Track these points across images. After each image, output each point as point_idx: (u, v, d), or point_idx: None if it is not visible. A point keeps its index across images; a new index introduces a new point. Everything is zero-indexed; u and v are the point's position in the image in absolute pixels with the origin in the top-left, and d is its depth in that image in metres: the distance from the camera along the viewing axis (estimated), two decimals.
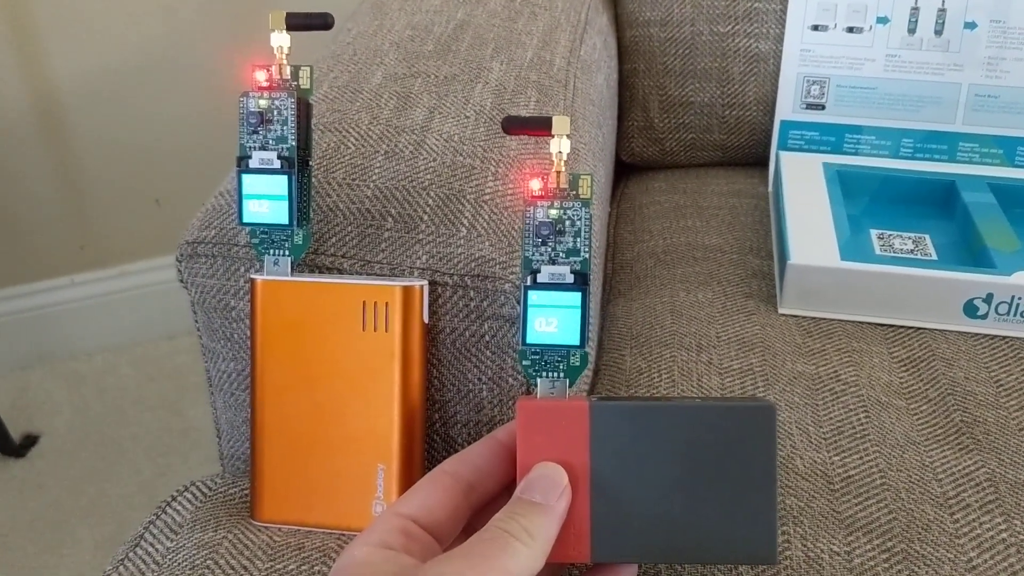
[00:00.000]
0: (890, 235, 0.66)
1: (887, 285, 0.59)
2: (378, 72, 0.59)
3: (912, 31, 0.75)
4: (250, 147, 0.44)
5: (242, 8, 1.25)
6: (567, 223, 0.38)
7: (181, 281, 0.49)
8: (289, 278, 0.45)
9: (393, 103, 0.55)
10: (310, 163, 0.45)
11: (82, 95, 1.24)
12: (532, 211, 0.38)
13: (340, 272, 0.46)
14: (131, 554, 0.45)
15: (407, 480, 0.44)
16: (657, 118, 0.85)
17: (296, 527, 0.45)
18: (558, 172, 0.38)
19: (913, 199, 0.71)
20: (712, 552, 0.36)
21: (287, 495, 0.45)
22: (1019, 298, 0.58)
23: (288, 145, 0.43)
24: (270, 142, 0.44)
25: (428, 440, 0.48)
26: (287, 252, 0.45)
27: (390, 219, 0.48)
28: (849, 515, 0.46)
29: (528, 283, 0.38)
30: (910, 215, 0.69)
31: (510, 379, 0.47)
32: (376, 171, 0.50)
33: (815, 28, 0.77)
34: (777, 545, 0.36)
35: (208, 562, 0.43)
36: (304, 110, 0.44)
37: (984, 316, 0.59)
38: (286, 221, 0.44)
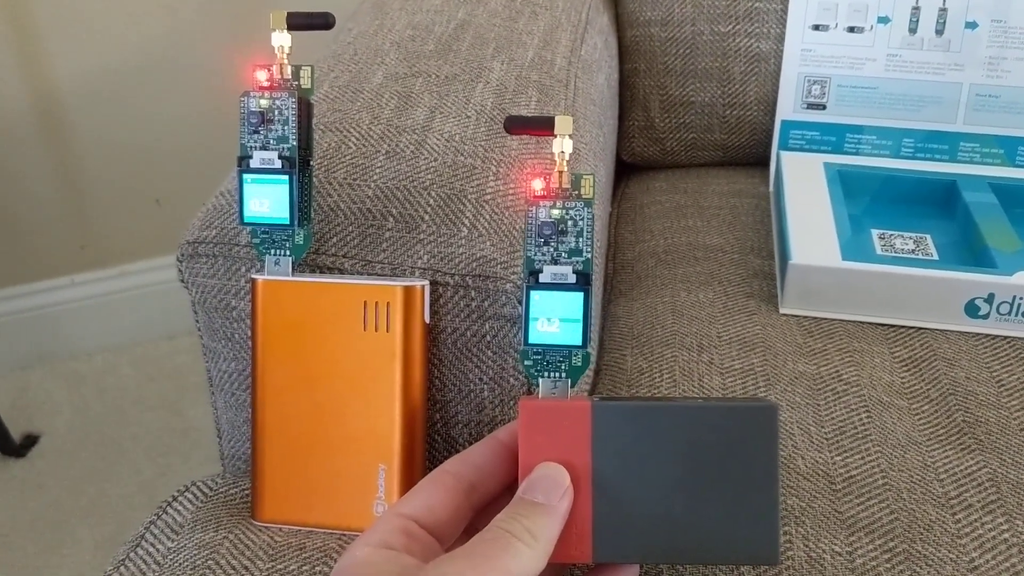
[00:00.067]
0: (891, 235, 0.66)
1: (888, 285, 0.59)
2: (379, 72, 0.59)
3: (913, 31, 0.75)
4: (251, 147, 0.44)
5: (242, 8, 1.25)
6: (569, 223, 0.38)
7: (182, 281, 0.49)
8: (290, 278, 0.45)
9: (394, 103, 0.55)
10: (311, 163, 0.45)
11: (82, 95, 1.24)
12: (534, 211, 0.38)
13: (341, 272, 0.46)
14: (132, 554, 0.45)
15: (408, 480, 0.44)
16: (658, 118, 0.85)
17: (297, 527, 0.45)
18: (560, 172, 0.38)
19: (914, 199, 0.71)
20: (714, 552, 0.36)
21: (288, 495, 0.45)
22: (1020, 298, 0.58)
23: (289, 145, 0.43)
24: (271, 142, 0.44)
25: (429, 440, 0.48)
26: (288, 252, 0.45)
27: (391, 219, 0.47)
28: (851, 515, 0.45)
29: (530, 283, 0.38)
30: (911, 215, 0.69)
31: (511, 379, 0.47)
32: (377, 171, 0.50)
33: (816, 28, 0.77)
34: (779, 545, 0.36)
35: (209, 562, 0.43)
36: (305, 110, 0.44)
37: (985, 316, 0.59)
38: (287, 221, 0.43)
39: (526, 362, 0.39)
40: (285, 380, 0.45)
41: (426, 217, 0.48)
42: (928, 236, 0.66)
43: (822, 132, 0.78)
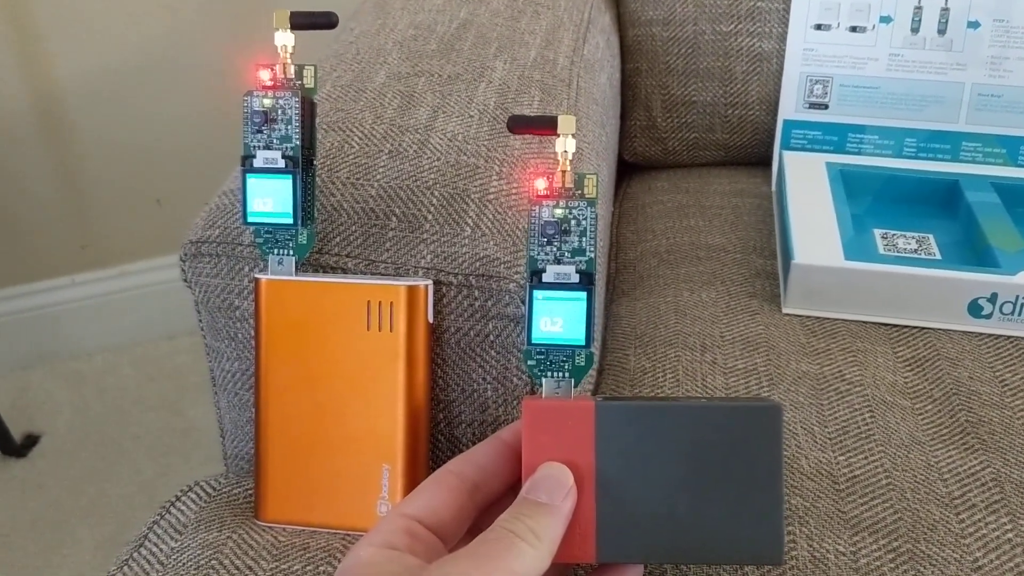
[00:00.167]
0: (894, 235, 0.66)
1: (891, 285, 0.59)
2: (381, 71, 0.59)
3: (915, 30, 0.75)
4: (254, 146, 0.44)
5: (242, 8, 1.25)
6: (572, 223, 0.38)
7: (185, 281, 0.49)
8: (293, 278, 0.45)
9: (397, 102, 0.55)
10: (314, 162, 0.45)
11: (83, 95, 1.24)
12: (537, 211, 0.38)
13: (344, 272, 0.46)
14: (135, 554, 0.45)
15: (412, 480, 0.44)
16: (660, 117, 0.84)
17: (301, 527, 0.45)
18: (563, 171, 0.38)
19: (916, 199, 0.71)
20: (718, 552, 0.36)
21: (291, 495, 0.45)
22: (1023, 297, 0.58)
23: (292, 144, 0.43)
24: (274, 141, 0.43)
25: (433, 440, 0.48)
26: (291, 251, 0.45)
27: (394, 218, 0.47)
28: (855, 515, 0.45)
29: (533, 283, 0.38)
30: (913, 215, 0.69)
31: (515, 379, 0.47)
32: (380, 170, 0.50)
33: (818, 27, 0.77)
34: (783, 545, 0.36)
35: (213, 562, 0.43)
36: (308, 109, 0.44)
37: (988, 316, 0.58)
38: (290, 220, 0.43)
39: (529, 362, 0.39)
40: (288, 380, 0.45)
41: (429, 217, 0.47)
42: (931, 236, 0.66)
43: (824, 132, 0.78)
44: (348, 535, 0.44)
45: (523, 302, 0.44)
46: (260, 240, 0.45)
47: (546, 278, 0.38)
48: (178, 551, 0.45)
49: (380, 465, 0.44)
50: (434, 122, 0.54)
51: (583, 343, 0.38)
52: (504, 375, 0.47)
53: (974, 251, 0.64)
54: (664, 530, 0.36)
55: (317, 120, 0.46)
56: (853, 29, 0.76)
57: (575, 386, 0.38)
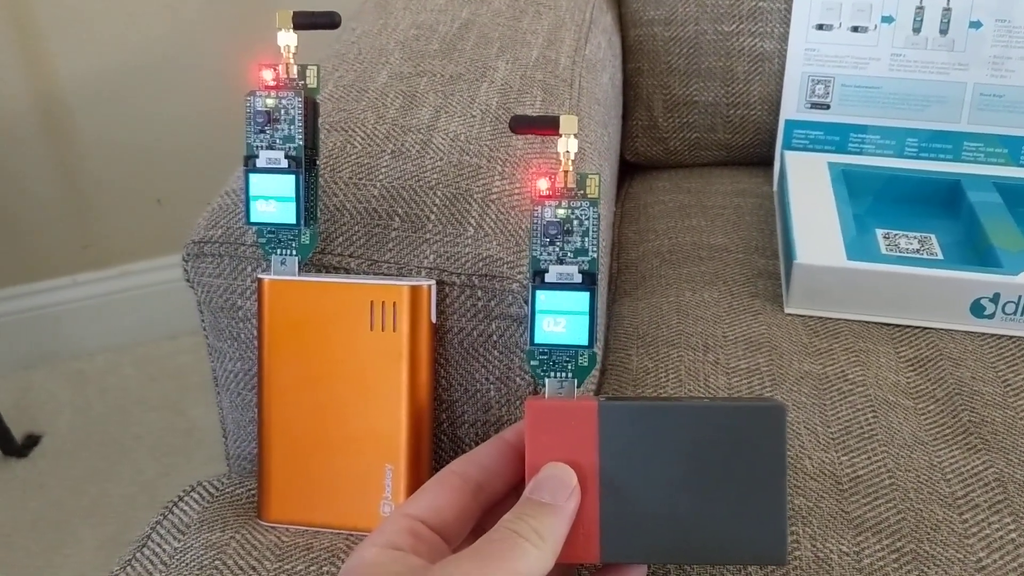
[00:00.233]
0: (896, 235, 0.66)
1: (893, 285, 0.59)
2: (383, 71, 0.59)
3: (917, 30, 0.75)
4: (257, 146, 0.44)
5: (242, 8, 1.25)
6: (575, 223, 0.38)
7: (188, 281, 0.49)
8: (296, 278, 0.45)
9: (399, 102, 0.55)
10: (317, 162, 0.45)
11: (84, 95, 1.24)
12: (540, 211, 0.38)
13: (347, 272, 0.46)
14: (138, 554, 0.45)
15: (415, 480, 0.44)
16: (661, 117, 0.84)
17: (304, 527, 0.45)
18: (566, 172, 0.38)
19: (918, 199, 0.71)
20: (721, 552, 0.36)
21: (294, 495, 0.45)
22: None
23: (295, 144, 0.43)
24: (277, 141, 0.43)
25: (436, 440, 0.48)
26: (294, 252, 0.45)
27: (397, 219, 0.47)
28: (858, 515, 0.45)
29: (536, 283, 0.38)
30: (915, 215, 0.69)
31: (518, 379, 0.47)
32: (383, 170, 0.50)
33: (820, 27, 0.77)
34: (787, 545, 0.36)
35: (216, 562, 0.43)
36: (311, 109, 0.44)
37: (991, 316, 0.58)
38: (293, 221, 0.43)
39: (532, 362, 0.39)
40: (291, 380, 0.45)
41: (432, 217, 0.47)
42: (933, 236, 0.66)
43: (826, 132, 0.78)
44: (351, 535, 0.44)
45: (526, 302, 0.44)
46: (263, 240, 0.45)
47: (549, 278, 0.38)
48: (181, 551, 0.45)
49: (383, 465, 0.44)
50: (436, 122, 0.54)
51: (586, 343, 0.38)
52: (507, 375, 0.47)
53: (976, 251, 0.64)
54: (668, 530, 0.36)
55: (320, 120, 0.46)
56: (855, 29, 0.76)
57: (578, 386, 0.38)
